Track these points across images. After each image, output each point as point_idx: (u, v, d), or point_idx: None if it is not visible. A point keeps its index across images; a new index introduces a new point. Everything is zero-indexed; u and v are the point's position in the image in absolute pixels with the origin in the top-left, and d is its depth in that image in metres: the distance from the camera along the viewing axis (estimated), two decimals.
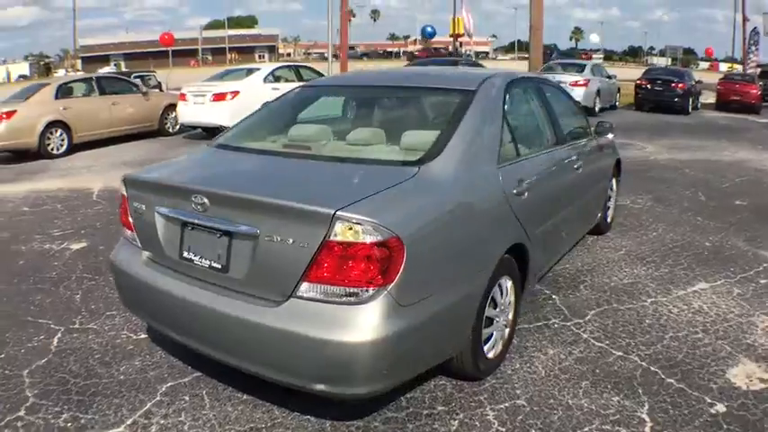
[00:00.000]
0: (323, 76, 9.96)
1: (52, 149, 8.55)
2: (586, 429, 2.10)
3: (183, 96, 9.92)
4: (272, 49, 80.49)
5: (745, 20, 29.45)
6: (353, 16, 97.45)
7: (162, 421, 2.19)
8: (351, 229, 1.71)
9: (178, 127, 10.74)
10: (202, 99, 9.49)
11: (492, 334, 2.40)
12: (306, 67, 11.62)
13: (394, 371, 1.87)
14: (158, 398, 2.34)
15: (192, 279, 2.10)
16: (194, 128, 10.54)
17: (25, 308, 3.20)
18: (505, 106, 2.60)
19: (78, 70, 39.94)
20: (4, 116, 8.10)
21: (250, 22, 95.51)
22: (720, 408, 2.22)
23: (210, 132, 9.62)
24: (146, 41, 67.32)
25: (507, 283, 2.48)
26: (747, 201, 5.64)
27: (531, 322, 3.00)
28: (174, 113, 10.56)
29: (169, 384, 2.44)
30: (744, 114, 15.58)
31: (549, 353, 2.67)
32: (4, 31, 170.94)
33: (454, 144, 2.21)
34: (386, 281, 1.75)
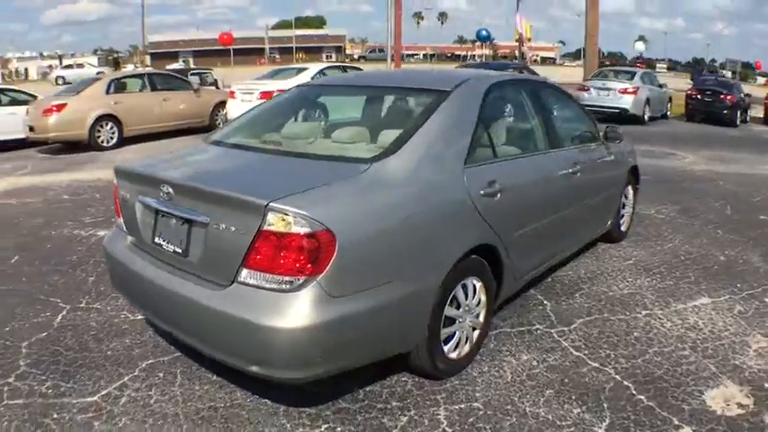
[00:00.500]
0: None
1: (102, 142, 9.03)
2: None
3: (232, 94, 10.27)
4: (338, 50, 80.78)
5: None
6: (422, 19, 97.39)
7: (133, 394, 2.32)
8: (283, 219, 1.78)
9: None
10: (250, 96, 9.70)
11: (454, 334, 2.36)
12: (353, 66, 11.79)
13: (327, 359, 1.90)
14: (136, 373, 2.48)
15: (161, 263, 2.22)
16: None
17: (40, 287, 3.45)
18: (483, 108, 2.56)
19: (147, 66, 42.04)
20: (55, 109, 8.57)
21: (318, 22, 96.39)
22: None
23: None
24: (213, 39, 68.51)
25: (476, 284, 2.43)
26: None
27: (514, 326, 2.92)
28: (224, 110, 10.87)
29: (149, 362, 2.57)
30: None
31: (523, 358, 2.60)
32: (75, 25, 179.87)
33: (413, 143, 2.21)
34: (315, 271, 1.80)
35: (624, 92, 12.45)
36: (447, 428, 2.09)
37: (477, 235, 2.34)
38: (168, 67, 31.23)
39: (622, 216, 4.29)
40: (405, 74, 3.39)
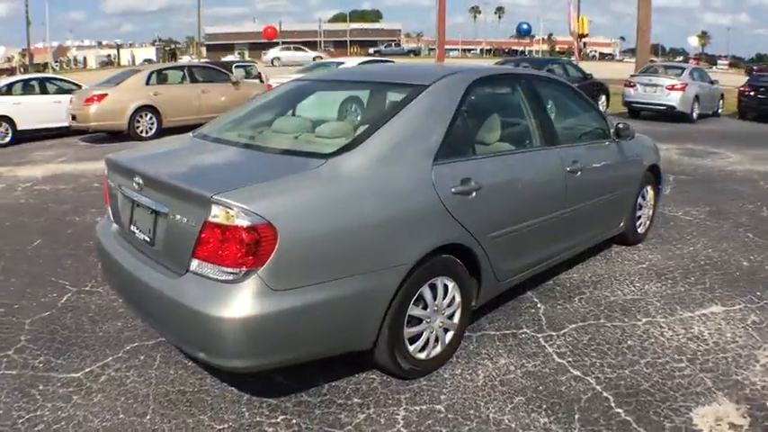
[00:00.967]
0: None
1: (141, 132, 9.35)
2: None
3: (269, 87, 10.44)
4: (393, 44, 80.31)
5: None
6: (479, 13, 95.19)
7: (113, 373, 2.39)
8: (226, 212, 1.79)
9: None
10: None
11: (422, 334, 2.27)
12: (389, 61, 11.69)
13: (271, 350, 1.88)
14: (120, 354, 2.55)
15: (136, 250, 2.26)
16: None
17: (53, 270, 3.60)
18: (462, 103, 2.45)
19: (203, 57, 43.14)
20: (96, 99, 8.92)
21: (374, 16, 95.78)
22: None
23: None
24: (285, 31, 69.11)
25: (448, 284, 2.33)
26: None
27: (500, 329, 2.79)
28: None
29: (134, 345, 2.63)
30: None
31: (500, 362, 2.47)
32: (135, 15, 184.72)
33: (376, 138, 2.15)
34: (256, 264, 1.79)
35: (672, 88, 11.68)
36: (402, 429, 2.01)
37: (446, 234, 2.23)
38: (223, 59, 31.99)
39: (639, 217, 4.01)
40: (393, 69, 3.29)
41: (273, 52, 35.34)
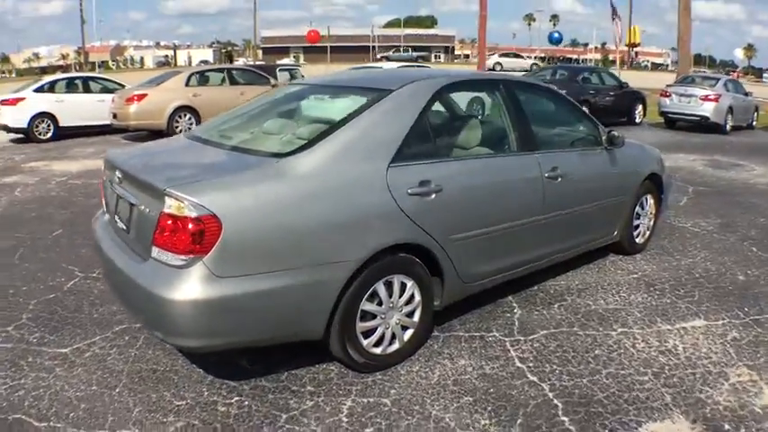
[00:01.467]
0: None
1: (180, 132, 9.57)
2: None
3: None
4: (447, 50, 78.59)
5: None
6: (533, 20, 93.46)
7: (97, 351, 2.56)
8: (178, 204, 1.90)
9: None
10: None
11: (376, 329, 2.30)
12: (423, 66, 11.67)
13: (218, 332, 1.99)
14: (108, 334, 2.71)
15: (117, 238, 2.41)
16: None
17: (67, 256, 3.83)
18: (427, 108, 2.48)
19: (258, 60, 44.00)
20: (136, 98, 9.27)
21: (430, 22, 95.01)
22: None
23: None
24: (326, 36, 68.00)
25: (407, 283, 2.35)
26: None
27: (470, 331, 2.78)
28: None
29: (123, 327, 2.79)
30: None
31: (459, 363, 2.46)
32: (194, 16, 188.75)
33: (330, 139, 2.22)
34: (202, 252, 1.90)
35: (705, 99, 11.16)
36: (344, 418, 2.06)
37: (400, 234, 2.26)
38: (278, 61, 32.61)
39: (637, 227, 3.87)
40: (376, 74, 3.32)
41: (494, 58, 35.48)
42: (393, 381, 2.32)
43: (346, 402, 2.16)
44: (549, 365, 2.45)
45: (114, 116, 9.47)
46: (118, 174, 2.32)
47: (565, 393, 2.23)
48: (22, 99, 9.70)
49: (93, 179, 6.52)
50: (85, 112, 9.99)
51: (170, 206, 1.92)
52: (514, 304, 3.11)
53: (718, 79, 12.51)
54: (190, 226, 1.88)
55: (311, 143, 2.20)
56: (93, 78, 11.31)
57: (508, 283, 3.16)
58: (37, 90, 9.94)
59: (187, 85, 9.94)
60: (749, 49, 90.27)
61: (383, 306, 2.30)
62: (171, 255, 1.93)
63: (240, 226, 1.92)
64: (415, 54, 56.49)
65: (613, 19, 20.85)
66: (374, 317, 2.29)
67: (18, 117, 9.56)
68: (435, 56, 74.64)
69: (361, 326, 2.25)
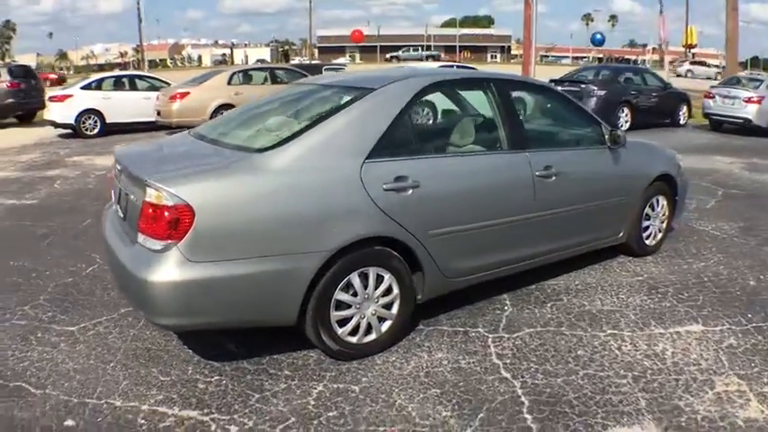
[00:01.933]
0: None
1: None
2: (381, 429, 1.95)
3: None
4: (504, 50, 76.54)
5: None
6: (591, 21, 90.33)
7: (100, 330, 2.73)
8: (158, 194, 2.03)
9: None
10: None
11: (351, 318, 2.34)
12: (468, 67, 11.51)
13: (193, 312, 2.09)
14: (113, 316, 2.89)
15: (118, 226, 2.57)
16: None
17: (91, 246, 4.02)
18: (410, 106, 2.50)
19: (314, 59, 44.51)
20: (179, 96, 9.62)
21: (487, 22, 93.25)
22: None
23: None
24: (376, 35, 65.58)
25: (383, 275, 2.38)
26: None
27: (455, 326, 2.76)
28: None
29: (129, 309, 2.92)
30: None
31: (436, 356, 2.46)
32: (253, 15, 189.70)
33: (308, 135, 2.28)
34: (177, 237, 2.01)
35: (749, 101, 10.38)
36: (311, 401, 2.12)
37: (374, 227, 2.28)
38: (334, 61, 32.84)
39: (647, 228, 3.69)
40: (367, 74, 3.33)
41: (687, 66, 35.45)
42: (367, 369, 2.35)
43: (317, 387, 2.21)
44: (527, 363, 2.40)
45: (158, 113, 9.89)
46: (118, 167, 2.49)
47: (535, 391, 2.18)
48: (70, 96, 10.23)
49: None
50: (131, 108, 10.42)
51: (151, 195, 2.05)
52: (507, 302, 3.05)
53: (762, 81, 11.62)
54: (166, 214, 2.00)
55: (287, 140, 2.28)
56: (140, 76, 11.85)
57: (504, 280, 3.12)
58: (84, 87, 10.49)
59: (229, 83, 10.20)
60: None
61: (358, 297, 2.34)
62: (152, 240, 2.06)
63: (213, 215, 2.02)
64: (425, 53, 55.47)
65: (662, 19, 19.68)
66: (349, 306, 2.33)
67: (65, 113, 10.06)
68: (492, 56, 72.81)
69: (335, 314, 2.30)
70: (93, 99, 10.25)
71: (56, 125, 10.36)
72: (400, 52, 59.21)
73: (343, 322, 2.33)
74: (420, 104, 2.56)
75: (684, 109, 11.92)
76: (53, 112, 10.28)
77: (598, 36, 29.59)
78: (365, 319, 2.38)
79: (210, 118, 9.61)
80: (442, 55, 60.93)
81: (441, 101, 2.82)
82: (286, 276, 2.14)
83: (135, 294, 2.17)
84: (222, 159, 2.28)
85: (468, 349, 2.53)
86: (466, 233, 2.59)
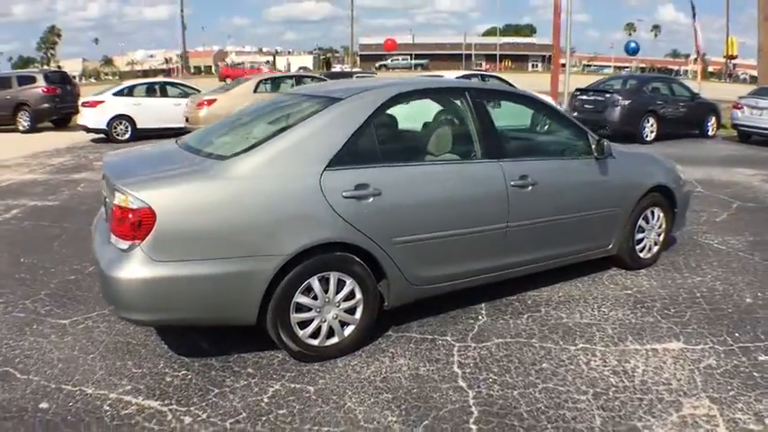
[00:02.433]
0: (510, 85, 9.42)
1: None
2: (324, 429, 1.95)
3: None
4: (545, 59, 74.41)
5: None
6: (634, 30, 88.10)
7: (90, 324, 2.87)
8: (125, 197, 2.14)
9: None
10: None
11: (312, 321, 2.36)
12: (494, 76, 11.42)
13: (157, 308, 2.19)
14: (105, 312, 2.99)
15: (103, 228, 2.68)
16: None
17: None
18: (375, 116, 2.52)
19: (356, 66, 45.05)
20: (206, 103, 9.84)
21: (528, 30, 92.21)
22: None
23: None
24: (419, 44, 66.98)
25: (345, 280, 2.39)
26: None
27: (424, 333, 2.74)
28: None
29: None
30: None
31: (398, 362, 2.45)
32: (297, 23, 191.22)
33: (270, 143, 2.34)
34: (140, 238, 2.11)
35: None
36: (266, 399, 2.16)
37: (331, 233, 2.31)
38: (373, 66, 32.58)
39: (641, 241, 3.55)
40: (341, 84, 3.36)
41: (744, 71, 34.68)
42: (326, 372, 2.37)
43: (275, 386, 2.25)
44: (486, 373, 2.35)
45: (186, 119, 10.23)
46: (102, 173, 2.62)
47: (487, 402, 2.14)
48: (102, 102, 10.58)
49: None
50: (162, 114, 10.76)
51: (119, 199, 2.16)
52: (483, 311, 3.00)
53: None
54: (130, 216, 2.10)
55: (251, 147, 2.34)
56: (171, 83, 12.19)
57: (484, 289, 3.08)
58: (116, 93, 10.85)
59: (255, 91, 10.36)
60: None
61: (318, 300, 2.36)
62: (120, 240, 2.16)
63: (174, 218, 2.11)
64: (413, 62, 54.55)
65: (694, 17, 18.67)
66: (310, 309, 2.35)
67: (97, 118, 10.42)
68: (533, 65, 71.44)
69: (295, 317, 2.33)
70: (124, 105, 10.62)
71: (88, 130, 10.72)
72: (389, 60, 58.96)
73: (304, 324, 2.36)
74: (388, 114, 2.56)
75: (713, 119, 11.34)
76: (86, 117, 10.64)
77: (632, 45, 28.59)
78: (326, 323, 2.40)
79: None
80: (483, 64, 60.37)
81: (412, 110, 2.81)
82: (245, 278, 2.19)
83: (105, 289, 2.28)
84: (190, 166, 2.36)
85: (432, 357, 2.50)
86: (432, 241, 2.57)
